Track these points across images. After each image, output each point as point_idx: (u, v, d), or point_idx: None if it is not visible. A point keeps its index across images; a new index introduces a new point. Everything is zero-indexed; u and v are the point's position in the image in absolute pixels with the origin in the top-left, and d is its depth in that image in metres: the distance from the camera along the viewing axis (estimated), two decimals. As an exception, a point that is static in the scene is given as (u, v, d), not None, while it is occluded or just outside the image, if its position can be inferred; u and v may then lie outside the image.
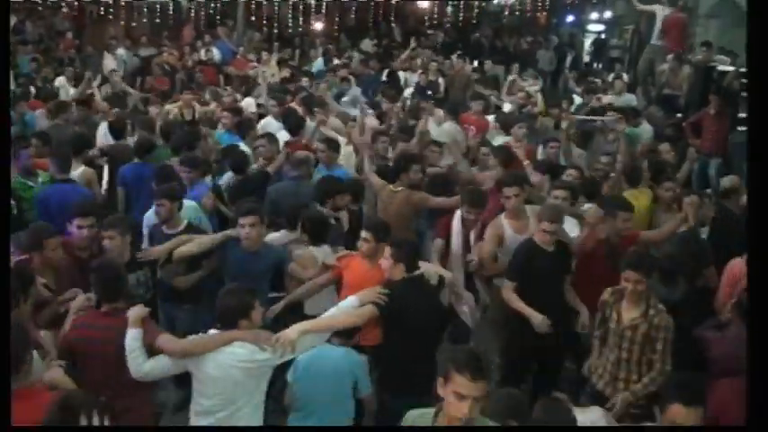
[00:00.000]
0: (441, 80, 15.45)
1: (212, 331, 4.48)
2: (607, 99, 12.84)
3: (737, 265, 5.86)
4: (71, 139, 8.24)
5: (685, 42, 14.06)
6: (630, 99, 13.07)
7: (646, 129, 10.81)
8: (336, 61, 17.09)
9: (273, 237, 6.20)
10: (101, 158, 8.41)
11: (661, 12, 13.74)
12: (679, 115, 12.12)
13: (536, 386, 6.03)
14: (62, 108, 9.86)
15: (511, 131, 9.66)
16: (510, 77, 14.48)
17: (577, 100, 13.59)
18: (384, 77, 15.34)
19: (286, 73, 15.15)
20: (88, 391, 3.63)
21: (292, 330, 4.51)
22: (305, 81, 13.41)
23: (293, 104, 10.79)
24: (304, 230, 6.11)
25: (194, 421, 4.52)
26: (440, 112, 10.46)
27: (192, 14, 21.71)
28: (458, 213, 6.59)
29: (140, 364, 4.36)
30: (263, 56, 16.95)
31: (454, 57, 17.38)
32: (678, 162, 9.12)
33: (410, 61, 17.18)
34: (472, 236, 6.56)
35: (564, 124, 10.07)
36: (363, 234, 5.67)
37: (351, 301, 4.93)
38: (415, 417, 3.74)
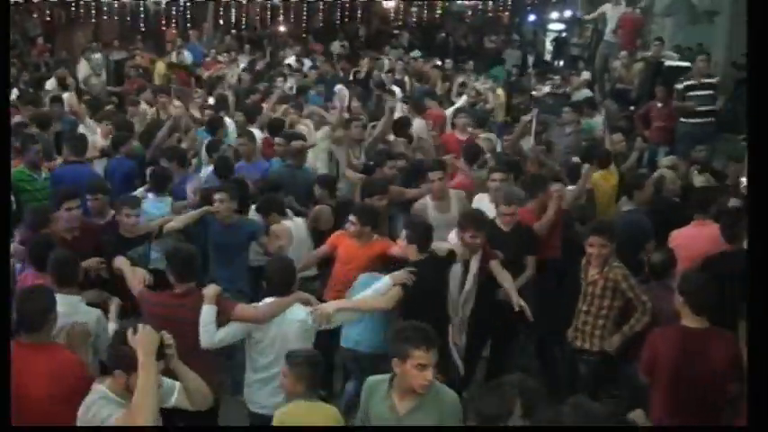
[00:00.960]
0: (407, 79, 16.06)
1: (269, 299, 5.02)
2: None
3: (675, 237, 6.54)
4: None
5: (638, 39, 14.69)
6: (586, 94, 13.67)
7: (598, 121, 11.26)
8: (305, 62, 17.55)
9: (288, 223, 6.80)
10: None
11: (613, 10, 14.35)
12: (632, 108, 12.80)
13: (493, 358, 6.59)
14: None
15: (454, 121, 10.39)
16: (459, 79, 14.82)
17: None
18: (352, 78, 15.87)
19: (245, 75, 15.39)
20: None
21: (330, 305, 5.08)
22: (279, 81, 13.89)
23: (264, 104, 11.39)
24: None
25: (252, 377, 5.01)
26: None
27: (163, 17, 22.04)
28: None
29: (212, 335, 4.82)
30: (232, 57, 17.42)
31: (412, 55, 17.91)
32: (629, 151, 9.78)
33: (375, 61, 17.70)
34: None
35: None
36: (351, 218, 6.20)
37: (384, 282, 5.35)
38: (373, 380, 4.20)
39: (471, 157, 8.36)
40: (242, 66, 16.55)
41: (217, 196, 6.48)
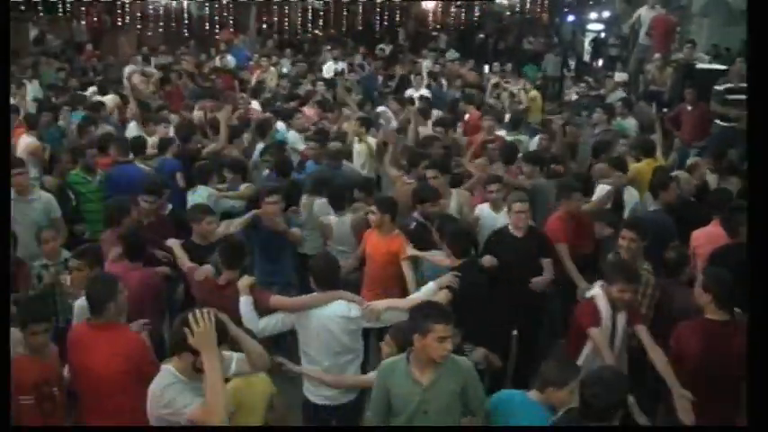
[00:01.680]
0: (443, 81, 16.34)
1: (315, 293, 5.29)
2: None
3: (697, 237, 6.79)
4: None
5: (671, 41, 14.76)
6: (621, 95, 13.80)
7: (631, 123, 11.62)
8: (343, 65, 17.90)
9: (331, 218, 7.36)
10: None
11: (647, 13, 14.44)
12: (665, 110, 12.96)
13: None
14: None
15: (483, 124, 10.59)
16: (492, 81, 14.87)
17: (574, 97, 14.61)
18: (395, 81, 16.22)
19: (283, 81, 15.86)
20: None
21: (380, 303, 5.32)
22: (319, 85, 14.30)
23: (305, 108, 11.81)
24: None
25: (305, 363, 5.28)
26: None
27: (207, 22, 22.54)
28: None
29: (255, 324, 5.11)
30: (273, 61, 17.89)
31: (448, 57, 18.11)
32: (667, 151, 9.94)
33: (413, 65, 17.99)
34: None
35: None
36: (372, 208, 6.62)
37: (431, 286, 5.60)
38: (386, 363, 4.53)
39: (507, 158, 8.70)
40: (282, 70, 17.00)
41: (271, 198, 6.85)
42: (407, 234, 6.68)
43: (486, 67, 18.60)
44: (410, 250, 6.42)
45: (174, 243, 6.10)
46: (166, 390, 3.87)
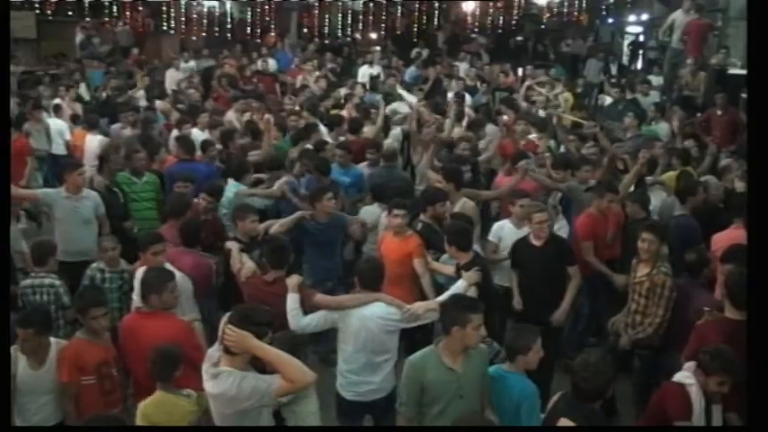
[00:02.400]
0: (479, 85, 16.55)
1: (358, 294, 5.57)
2: None
3: (717, 240, 6.97)
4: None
5: (705, 46, 14.76)
6: (654, 99, 13.92)
7: (662, 127, 11.79)
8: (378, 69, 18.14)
9: (367, 210, 7.93)
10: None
11: (681, 17, 14.45)
12: (699, 115, 13.02)
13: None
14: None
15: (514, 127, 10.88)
16: (525, 83, 14.89)
17: (608, 100, 14.73)
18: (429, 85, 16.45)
19: (323, 83, 16.17)
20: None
21: (419, 306, 5.54)
22: (358, 89, 14.66)
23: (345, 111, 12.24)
24: None
25: (342, 366, 5.53)
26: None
27: (248, 26, 22.94)
28: None
29: (299, 320, 5.44)
30: (314, 65, 18.22)
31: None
32: (700, 155, 10.07)
33: (451, 68, 18.22)
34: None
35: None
36: (395, 211, 6.89)
37: (460, 284, 5.84)
38: (415, 358, 4.86)
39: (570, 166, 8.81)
40: (322, 73, 17.34)
41: (327, 196, 7.29)
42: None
43: (520, 70, 18.65)
44: (422, 260, 6.72)
45: (233, 245, 6.43)
46: (241, 385, 4.07)
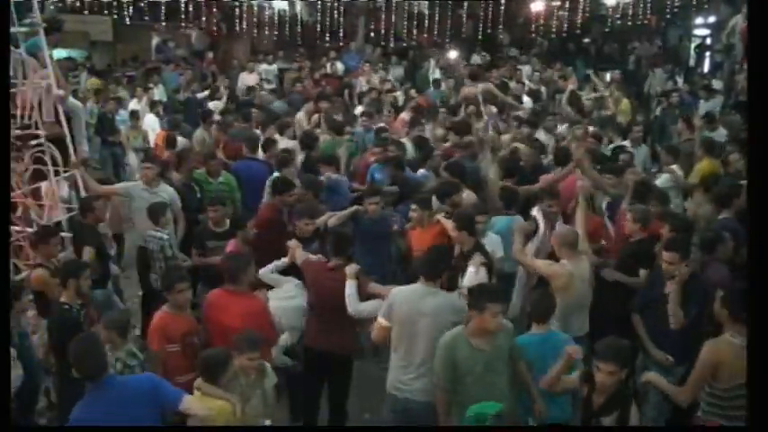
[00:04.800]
0: (543, 89, 16.85)
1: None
2: None
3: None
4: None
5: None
6: (717, 104, 14.03)
7: (720, 134, 11.72)
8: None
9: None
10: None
11: (743, 20, 14.47)
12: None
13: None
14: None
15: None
16: (569, 87, 14.79)
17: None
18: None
19: (388, 85, 16.82)
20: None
21: None
22: (413, 92, 15.19)
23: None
24: None
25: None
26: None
27: (318, 29, 23.57)
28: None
29: (355, 305, 6.07)
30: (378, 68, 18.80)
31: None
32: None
33: (514, 71, 18.54)
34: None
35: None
36: (413, 206, 7.66)
37: (470, 268, 6.43)
38: (446, 338, 5.23)
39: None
40: (388, 77, 17.88)
41: (373, 199, 7.95)
42: None
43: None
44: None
45: (293, 244, 6.95)
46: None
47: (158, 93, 16.47)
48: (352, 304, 6.09)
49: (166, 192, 8.66)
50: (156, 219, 7.95)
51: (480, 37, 23.91)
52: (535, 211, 7.67)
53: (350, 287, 6.14)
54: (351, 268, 6.24)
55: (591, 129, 11.46)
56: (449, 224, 7.11)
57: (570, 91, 14.35)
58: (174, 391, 4.82)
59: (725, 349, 5.02)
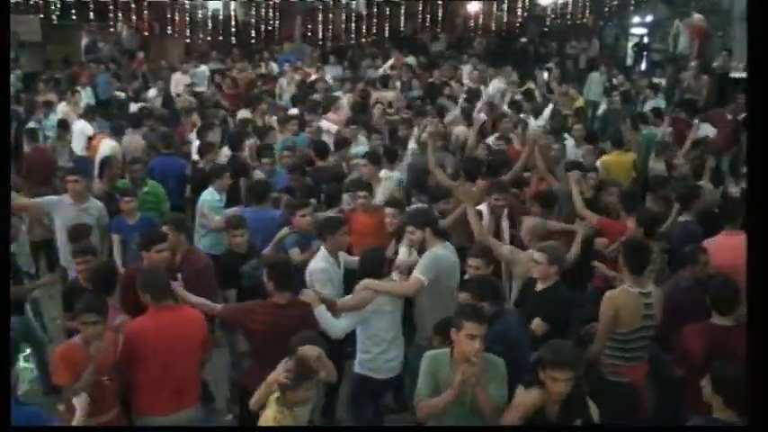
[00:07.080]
0: (482, 88, 16.54)
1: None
2: None
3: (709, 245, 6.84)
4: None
5: (707, 49, 14.80)
6: (658, 103, 13.92)
7: (666, 131, 11.49)
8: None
9: None
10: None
11: (686, 21, 14.59)
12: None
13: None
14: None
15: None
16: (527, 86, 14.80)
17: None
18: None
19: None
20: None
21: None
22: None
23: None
24: None
25: (375, 350, 5.89)
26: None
27: (252, 29, 23.07)
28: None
29: (337, 329, 5.62)
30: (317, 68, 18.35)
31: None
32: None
33: (455, 71, 18.23)
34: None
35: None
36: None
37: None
38: (431, 356, 4.88)
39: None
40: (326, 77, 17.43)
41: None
42: None
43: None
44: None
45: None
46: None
47: (86, 95, 15.72)
48: (333, 327, 5.60)
49: (95, 208, 7.86)
50: (77, 242, 6.79)
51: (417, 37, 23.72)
52: (482, 206, 7.62)
53: (321, 314, 5.56)
54: (309, 296, 5.61)
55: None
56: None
57: (524, 90, 14.52)
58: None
59: (623, 296, 5.68)
